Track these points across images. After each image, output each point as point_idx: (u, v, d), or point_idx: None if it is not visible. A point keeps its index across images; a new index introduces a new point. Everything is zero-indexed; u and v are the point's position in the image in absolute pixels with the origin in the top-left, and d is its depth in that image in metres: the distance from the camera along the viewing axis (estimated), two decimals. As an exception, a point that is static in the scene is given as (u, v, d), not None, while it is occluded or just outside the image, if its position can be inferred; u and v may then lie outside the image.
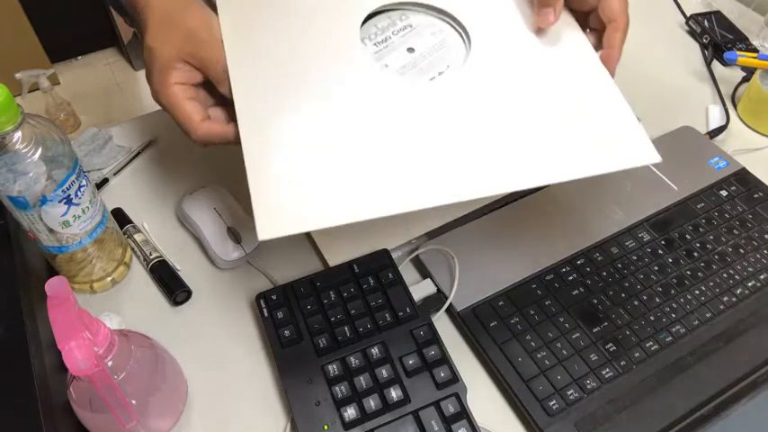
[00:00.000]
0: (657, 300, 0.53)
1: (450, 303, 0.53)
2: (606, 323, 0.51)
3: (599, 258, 0.56)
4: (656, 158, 0.43)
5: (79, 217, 0.48)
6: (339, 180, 0.40)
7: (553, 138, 0.43)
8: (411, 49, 0.50)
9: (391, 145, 0.42)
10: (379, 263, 0.53)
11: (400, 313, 0.50)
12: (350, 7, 0.50)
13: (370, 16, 0.51)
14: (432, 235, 0.58)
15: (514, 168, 0.42)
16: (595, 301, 0.53)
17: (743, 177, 0.63)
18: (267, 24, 0.48)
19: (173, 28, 0.43)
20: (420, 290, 0.53)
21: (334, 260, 0.55)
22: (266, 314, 0.50)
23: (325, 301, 0.51)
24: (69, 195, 0.46)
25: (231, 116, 0.45)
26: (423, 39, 0.51)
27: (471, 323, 0.51)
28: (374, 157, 0.42)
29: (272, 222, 0.38)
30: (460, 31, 0.51)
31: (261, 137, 0.42)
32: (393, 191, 0.40)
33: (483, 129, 0.44)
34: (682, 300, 0.53)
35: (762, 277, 0.55)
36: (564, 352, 0.49)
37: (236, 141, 0.43)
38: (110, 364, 0.40)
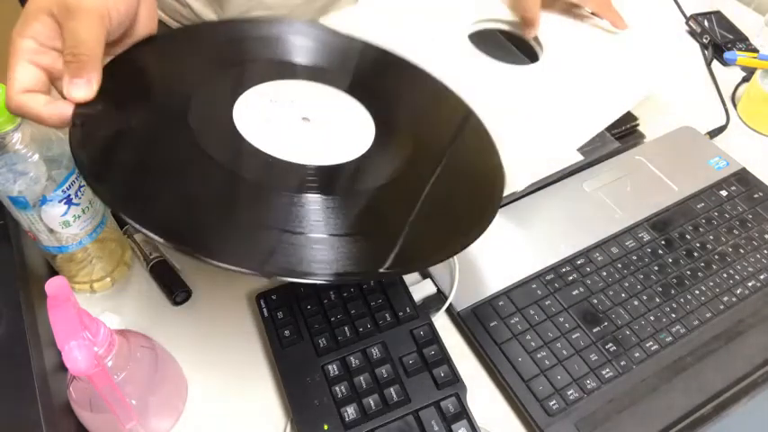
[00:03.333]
0: (657, 300, 0.53)
1: (450, 303, 0.53)
2: (606, 323, 0.51)
3: (599, 258, 0.56)
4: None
5: (79, 217, 0.48)
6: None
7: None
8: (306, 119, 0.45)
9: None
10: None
11: (400, 313, 0.50)
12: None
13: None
14: (432, 235, 0.58)
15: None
16: (595, 301, 0.53)
17: (743, 177, 0.63)
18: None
19: None
20: (420, 290, 0.53)
21: (333, 260, 0.55)
22: (266, 314, 0.50)
23: (325, 300, 0.51)
24: (69, 195, 0.46)
25: (59, 95, 0.39)
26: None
27: (471, 323, 0.51)
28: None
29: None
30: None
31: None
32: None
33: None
34: (682, 300, 0.53)
35: (762, 277, 0.55)
36: (564, 352, 0.49)
37: (52, 125, 0.39)
38: (110, 364, 0.40)
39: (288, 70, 0.49)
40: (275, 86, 0.46)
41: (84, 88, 0.38)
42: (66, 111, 0.38)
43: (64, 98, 0.39)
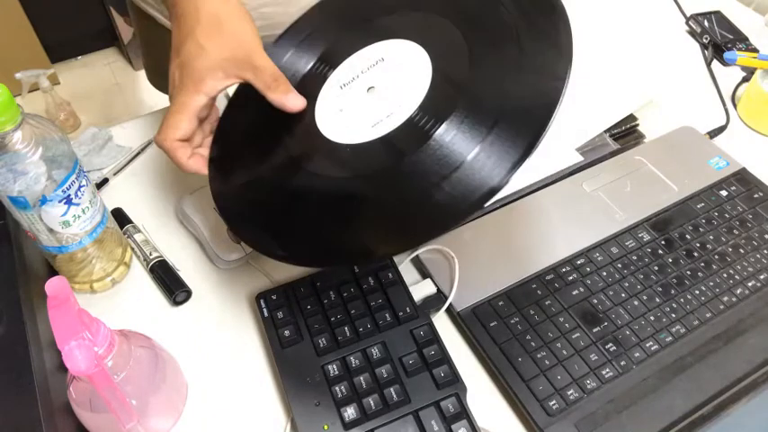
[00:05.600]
0: (657, 300, 0.53)
1: (450, 303, 0.53)
2: (606, 323, 0.51)
3: (599, 258, 0.56)
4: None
5: (79, 217, 0.48)
6: None
7: None
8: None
9: None
10: (380, 263, 0.53)
11: (400, 313, 0.50)
12: None
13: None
14: (432, 235, 0.58)
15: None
16: (595, 301, 0.53)
17: (743, 177, 0.63)
18: None
19: (225, 33, 0.44)
20: (420, 290, 0.53)
21: (334, 260, 0.55)
22: (266, 314, 0.50)
23: (326, 301, 0.51)
24: (69, 195, 0.46)
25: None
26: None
27: (471, 323, 0.51)
28: None
29: None
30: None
31: None
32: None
33: None
34: (682, 300, 0.53)
35: (762, 277, 0.55)
36: (564, 352, 0.49)
37: (187, 172, 0.45)
38: (110, 364, 0.40)
39: (339, 50, 0.49)
40: (339, 73, 0.48)
41: (293, 100, 0.45)
42: (202, 167, 0.46)
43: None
